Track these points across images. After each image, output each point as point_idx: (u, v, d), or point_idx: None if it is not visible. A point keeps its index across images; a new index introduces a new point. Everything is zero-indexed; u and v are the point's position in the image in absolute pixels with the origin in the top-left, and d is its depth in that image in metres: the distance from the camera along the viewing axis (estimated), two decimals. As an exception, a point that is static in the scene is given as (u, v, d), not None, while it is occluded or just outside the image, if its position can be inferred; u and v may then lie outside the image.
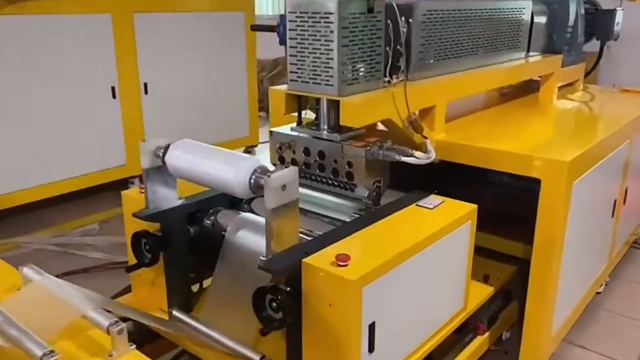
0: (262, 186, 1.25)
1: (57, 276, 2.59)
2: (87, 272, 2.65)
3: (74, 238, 3.00)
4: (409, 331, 1.48)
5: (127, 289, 1.91)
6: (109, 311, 1.14)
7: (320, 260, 1.28)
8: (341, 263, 1.24)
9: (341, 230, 1.42)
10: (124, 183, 3.62)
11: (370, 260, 1.28)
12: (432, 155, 1.62)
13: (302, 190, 1.79)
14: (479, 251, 1.71)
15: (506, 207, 2.57)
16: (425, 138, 1.73)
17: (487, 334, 1.92)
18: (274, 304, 1.28)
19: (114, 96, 3.48)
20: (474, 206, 1.62)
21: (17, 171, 3.14)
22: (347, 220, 1.63)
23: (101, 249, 2.83)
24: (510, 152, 1.72)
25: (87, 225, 3.11)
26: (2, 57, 3.00)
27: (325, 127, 1.67)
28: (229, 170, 1.29)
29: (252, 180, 1.27)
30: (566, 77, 2.67)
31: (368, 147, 1.57)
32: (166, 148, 1.47)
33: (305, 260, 1.27)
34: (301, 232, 1.55)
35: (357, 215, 1.65)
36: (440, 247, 1.48)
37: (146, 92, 3.64)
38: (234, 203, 1.72)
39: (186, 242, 1.65)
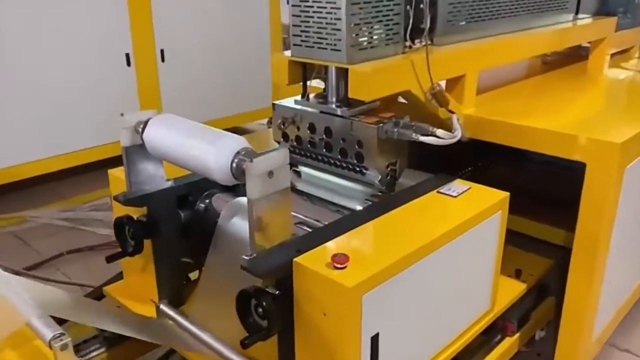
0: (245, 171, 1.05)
1: (62, 254, 2.54)
2: (93, 249, 2.53)
3: (83, 213, 2.88)
4: (423, 340, 1.27)
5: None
6: (64, 321, 0.98)
7: (314, 260, 1.07)
8: (338, 265, 1.04)
9: (343, 223, 1.21)
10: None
11: (374, 262, 1.07)
12: (458, 134, 1.38)
13: (309, 171, 1.59)
14: (512, 238, 1.48)
15: (546, 187, 2.32)
16: (452, 113, 1.49)
17: (517, 335, 1.70)
18: (260, 310, 1.09)
19: (128, 64, 3.31)
20: (506, 194, 1.38)
21: (27, 143, 3.02)
22: (358, 208, 1.42)
23: (110, 225, 2.69)
24: (550, 131, 1.46)
25: (98, 200, 2.98)
26: (12, 22, 2.86)
27: (334, 99, 1.45)
28: (209, 150, 1.09)
29: (234, 164, 1.07)
30: (620, 43, 2.34)
31: (381, 124, 1.35)
32: (146, 124, 1.28)
33: (296, 259, 1.07)
34: (303, 223, 1.35)
35: (370, 202, 1.44)
36: (463, 243, 1.26)
37: (163, 60, 3.46)
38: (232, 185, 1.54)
39: (176, 229, 1.47)
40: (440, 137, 1.33)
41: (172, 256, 1.49)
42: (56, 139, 3.12)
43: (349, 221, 1.22)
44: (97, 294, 1.73)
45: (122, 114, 1.29)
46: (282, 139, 1.57)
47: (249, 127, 4.08)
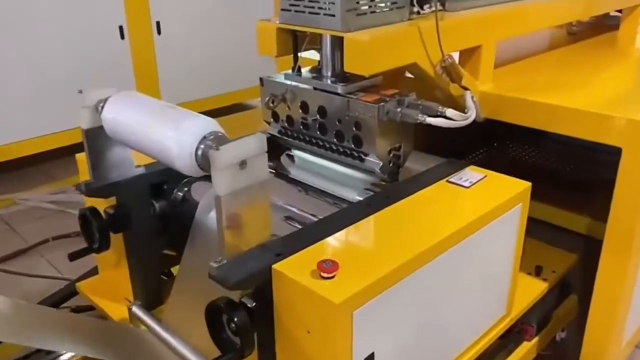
0: (213, 161, 0.87)
1: (47, 240, 2.39)
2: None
3: (74, 195, 2.73)
4: (428, 357, 1.09)
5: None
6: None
7: (296, 267, 0.90)
8: (325, 274, 0.86)
9: (334, 220, 1.03)
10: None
11: (368, 270, 0.89)
12: (472, 115, 1.19)
13: (304, 156, 1.41)
14: (530, 227, 1.29)
15: (566, 169, 2.12)
16: (465, 90, 1.29)
17: (536, 339, 1.52)
18: (233, 326, 0.92)
19: (122, 37, 3.12)
20: (527, 184, 1.19)
21: (16, 121, 2.86)
22: (358, 198, 1.24)
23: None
24: (582, 111, 1.25)
25: (91, 181, 2.82)
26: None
27: (329, 74, 1.26)
28: (168, 135, 0.90)
29: (199, 152, 0.89)
30: (655, 10, 2.12)
31: (382, 103, 1.15)
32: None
33: (276, 266, 0.90)
34: (293, 218, 1.18)
35: (370, 192, 1.26)
36: (476, 243, 1.08)
37: (159, 33, 3.26)
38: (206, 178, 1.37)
39: (150, 221, 1.30)
40: (451, 119, 1.14)
41: (146, 251, 1.32)
42: (48, 117, 2.95)
43: (341, 218, 1.04)
44: (70, 290, 1.57)
45: (80, 91, 1.11)
46: (272, 119, 1.39)
47: (253, 103, 3.89)
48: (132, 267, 1.34)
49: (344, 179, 1.33)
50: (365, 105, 1.16)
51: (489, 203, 1.11)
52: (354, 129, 1.20)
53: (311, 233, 0.99)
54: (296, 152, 1.43)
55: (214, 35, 3.52)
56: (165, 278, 1.49)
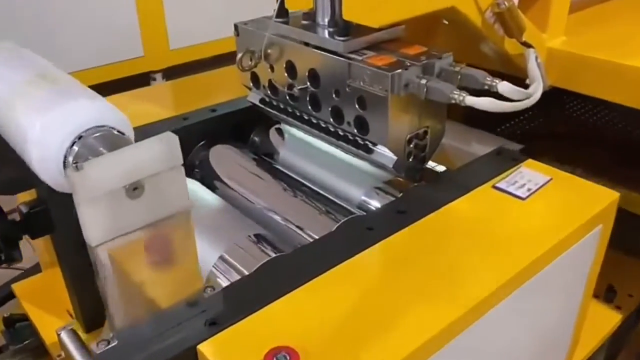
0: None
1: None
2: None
3: None
4: None
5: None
6: None
7: (233, 351, 0.55)
8: (274, 378, 0.51)
9: (311, 256, 0.67)
10: (145, 79, 2.99)
11: (351, 370, 0.53)
12: (538, 90, 0.77)
13: (297, 133, 1.03)
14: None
15: (625, 137, 1.66)
16: (528, 47, 0.88)
17: (601, 379, 1.15)
18: None
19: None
20: (614, 196, 0.79)
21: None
22: (363, 199, 0.88)
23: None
24: None
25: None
26: None
27: (325, 23, 0.86)
28: (28, 132, 0.54)
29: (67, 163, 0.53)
30: None
31: (398, 70, 0.75)
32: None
33: (202, 347, 0.55)
34: (264, 239, 0.82)
35: (383, 193, 0.89)
36: (530, 292, 0.70)
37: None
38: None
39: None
40: (508, 97, 0.73)
41: (80, 260, 1.00)
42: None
43: (324, 251, 0.67)
44: (6, 293, 1.27)
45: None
46: (251, 85, 1.01)
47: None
48: (65, 278, 1.02)
49: (347, 171, 0.95)
50: (373, 72, 0.76)
51: (557, 230, 0.72)
52: (357, 106, 0.81)
53: (262, 286, 0.63)
54: (287, 128, 1.06)
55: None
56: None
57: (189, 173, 1.04)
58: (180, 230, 0.54)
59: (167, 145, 0.50)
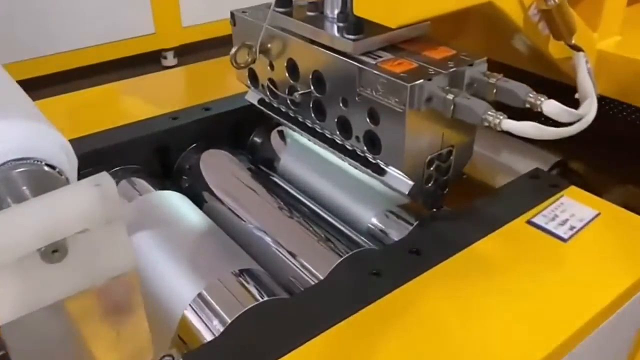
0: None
1: None
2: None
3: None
4: None
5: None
6: None
7: None
8: None
9: (294, 315, 0.54)
10: (155, 57, 2.87)
11: None
12: (592, 110, 0.62)
13: (301, 139, 0.90)
14: None
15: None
16: (577, 51, 0.73)
17: None
18: None
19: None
20: (679, 241, 0.65)
21: (23, 41, 2.45)
22: (373, 221, 0.75)
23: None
24: None
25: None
26: None
27: (334, 15, 0.72)
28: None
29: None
30: None
31: (419, 81, 0.61)
32: None
33: None
34: (251, 273, 0.70)
35: (395, 217, 0.75)
36: (583, 351, 0.57)
37: None
38: (161, 164, 0.90)
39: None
40: (552, 121, 0.59)
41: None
42: (54, 38, 2.52)
43: (311, 308, 0.55)
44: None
45: None
46: (249, 83, 0.87)
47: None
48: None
49: (356, 187, 0.82)
50: (388, 81, 0.62)
51: (610, 284, 0.58)
52: (368, 120, 0.67)
53: (246, 346, 0.50)
54: (290, 132, 0.92)
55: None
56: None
57: (176, 180, 0.92)
58: (121, 297, 0.41)
59: (101, 192, 0.38)
